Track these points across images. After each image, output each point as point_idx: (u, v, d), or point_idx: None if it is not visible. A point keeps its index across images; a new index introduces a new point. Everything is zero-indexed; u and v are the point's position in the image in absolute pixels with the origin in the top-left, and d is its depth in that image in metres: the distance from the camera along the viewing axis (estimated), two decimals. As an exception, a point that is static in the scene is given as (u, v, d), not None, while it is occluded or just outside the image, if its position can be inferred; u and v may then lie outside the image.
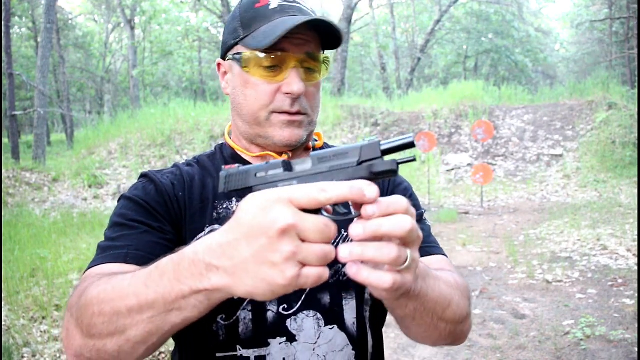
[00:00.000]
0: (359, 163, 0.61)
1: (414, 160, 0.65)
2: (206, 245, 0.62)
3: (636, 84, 13.69)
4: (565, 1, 38.85)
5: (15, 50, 20.40)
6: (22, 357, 3.56)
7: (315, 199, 0.57)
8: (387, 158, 0.62)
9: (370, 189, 0.58)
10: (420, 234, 0.62)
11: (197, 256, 0.62)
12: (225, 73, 1.00)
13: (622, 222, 7.25)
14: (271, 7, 0.92)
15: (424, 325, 0.79)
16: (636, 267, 5.25)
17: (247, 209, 0.59)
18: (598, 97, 13.33)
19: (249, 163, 0.99)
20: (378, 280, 0.60)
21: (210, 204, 0.95)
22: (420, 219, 1.00)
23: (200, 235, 0.92)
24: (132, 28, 23.33)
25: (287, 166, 0.65)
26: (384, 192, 1.04)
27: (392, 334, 3.85)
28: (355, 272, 0.61)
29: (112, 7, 26.63)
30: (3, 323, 3.95)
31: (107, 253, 0.85)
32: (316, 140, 1.07)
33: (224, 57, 0.99)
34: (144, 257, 0.83)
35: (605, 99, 13.06)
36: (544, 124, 13.41)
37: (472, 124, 10.88)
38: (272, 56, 0.90)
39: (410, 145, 0.62)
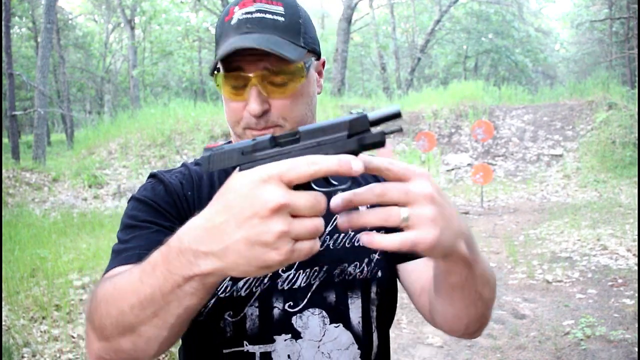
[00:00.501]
0: (349, 136, 0.61)
1: (400, 130, 0.65)
2: (190, 232, 0.61)
3: (636, 84, 13.69)
4: (565, 1, 38.86)
5: (15, 50, 20.40)
6: (22, 357, 3.56)
7: (305, 173, 0.56)
8: (374, 130, 0.62)
9: (356, 162, 0.57)
10: (424, 188, 0.61)
11: (182, 244, 0.62)
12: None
13: (622, 222, 7.25)
14: (232, 22, 0.90)
15: (468, 299, 0.78)
16: (636, 267, 5.26)
17: (234, 188, 0.58)
18: (598, 97, 13.33)
19: None
20: (389, 242, 0.60)
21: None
22: None
23: None
24: (132, 28, 23.34)
25: (275, 142, 0.63)
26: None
27: (392, 333, 3.84)
28: (367, 240, 0.61)
29: (112, 7, 26.63)
30: (3, 323, 3.95)
31: (120, 256, 0.86)
32: None
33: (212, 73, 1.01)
34: None
35: (605, 99, 13.06)
36: (544, 124, 13.41)
37: (472, 124, 10.88)
38: (232, 76, 0.89)
39: (397, 115, 0.63)
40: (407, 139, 13.33)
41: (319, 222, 0.58)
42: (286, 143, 0.63)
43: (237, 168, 0.64)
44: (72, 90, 27.45)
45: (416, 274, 0.97)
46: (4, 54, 12.57)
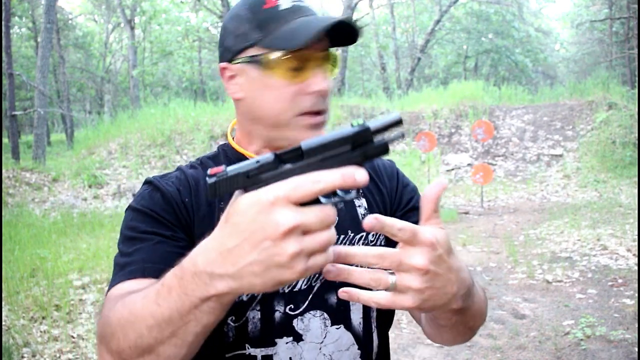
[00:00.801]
0: (352, 149, 0.62)
1: (402, 136, 0.66)
2: (204, 255, 0.62)
3: (636, 84, 13.69)
4: (565, 1, 38.85)
5: (15, 50, 20.40)
6: (22, 357, 3.56)
7: (310, 191, 0.57)
8: (377, 139, 0.63)
9: (360, 173, 0.58)
10: (417, 262, 0.63)
11: (197, 267, 0.62)
12: (232, 77, 0.96)
13: (622, 222, 7.25)
14: (282, 8, 0.90)
15: (455, 334, 0.85)
16: (636, 267, 5.26)
17: (243, 211, 0.59)
18: (598, 97, 13.34)
19: None
20: (369, 299, 0.66)
21: (217, 207, 0.95)
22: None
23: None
24: (132, 28, 23.34)
25: (280, 161, 0.63)
26: (394, 192, 1.05)
27: (392, 333, 3.84)
28: (347, 296, 0.67)
29: (112, 7, 26.63)
30: (3, 323, 3.95)
31: (124, 270, 0.85)
32: None
33: (230, 61, 0.96)
34: (161, 270, 0.81)
35: (605, 99, 13.06)
36: (544, 124, 13.41)
37: (472, 124, 10.88)
38: (296, 57, 0.88)
39: (398, 122, 0.64)
40: (407, 139, 13.33)
41: (331, 234, 0.59)
42: (290, 160, 0.62)
43: (244, 189, 0.63)
44: (72, 90, 27.45)
45: None
46: (4, 54, 12.57)
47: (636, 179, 9.86)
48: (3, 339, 3.61)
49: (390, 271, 0.65)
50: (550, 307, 4.47)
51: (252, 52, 0.91)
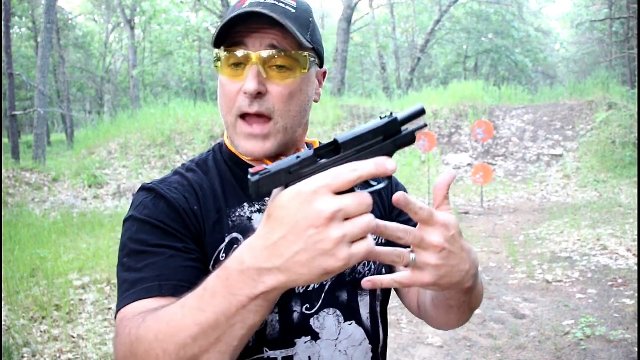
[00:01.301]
0: (384, 139, 0.67)
1: (425, 126, 0.73)
2: (250, 252, 0.63)
3: (636, 84, 13.69)
4: (565, 1, 38.86)
5: (15, 50, 20.40)
6: (22, 357, 3.56)
7: (349, 180, 0.60)
8: (404, 129, 0.69)
9: (390, 162, 0.63)
10: (435, 240, 0.69)
11: (244, 265, 0.63)
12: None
13: (622, 222, 7.25)
14: (244, 5, 0.88)
15: (461, 313, 0.89)
16: (636, 267, 5.26)
17: (286, 205, 0.61)
18: (598, 97, 13.34)
19: (247, 165, 0.97)
20: (390, 280, 0.71)
21: (224, 211, 0.92)
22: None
23: (221, 247, 0.89)
24: (132, 28, 23.34)
25: (318, 156, 0.66)
26: (389, 192, 1.07)
27: (391, 334, 3.85)
28: (371, 284, 0.71)
29: (112, 7, 26.63)
30: (3, 323, 3.96)
31: (137, 288, 0.80)
32: (309, 148, 1.03)
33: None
34: (178, 286, 0.80)
35: (605, 99, 13.06)
36: (544, 124, 13.41)
37: (472, 124, 10.88)
38: (232, 53, 0.87)
39: (422, 112, 0.70)
40: (407, 139, 13.33)
41: (369, 217, 0.61)
42: (328, 154, 0.66)
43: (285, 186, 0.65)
44: (72, 90, 27.46)
45: None
46: (4, 54, 12.57)
47: (636, 179, 9.86)
48: (3, 339, 3.61)
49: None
50: (550, 307, 4.47)
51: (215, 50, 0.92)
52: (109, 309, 4.41)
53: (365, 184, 0.70)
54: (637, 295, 4.44)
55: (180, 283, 0.80)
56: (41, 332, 3.95)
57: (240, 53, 0.87)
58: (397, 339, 3.92)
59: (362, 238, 0.61)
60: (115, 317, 0.81)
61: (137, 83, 22.69)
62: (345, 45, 18.08)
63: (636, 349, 3.51)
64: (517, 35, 22.95)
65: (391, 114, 0.67)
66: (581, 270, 5.41)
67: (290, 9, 0.88)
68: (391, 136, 0.67)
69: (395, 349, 3.74)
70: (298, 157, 0.64)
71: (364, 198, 0.61)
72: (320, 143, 1.05)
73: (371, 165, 0.61)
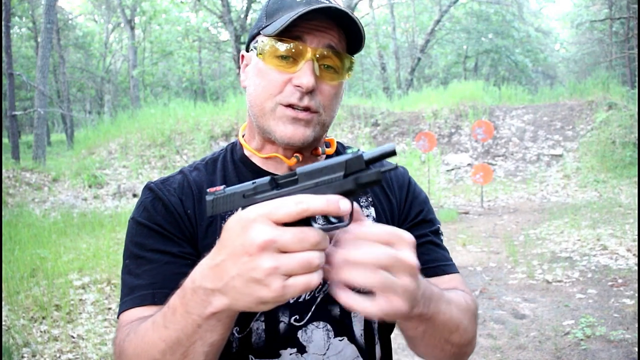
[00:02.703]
0: (345, 176, 0.62)
1: (396, 168, 0.66)
2: (200, 271, 0.65)
3: (636, 84, 13.69)
4: (565, 1, 38.86)
5: (15, 50, 20.40)
6: (22, 357, 3.56)
7: (290, 212, 0.58)
8: (371, 168, 0.64)
9: (344, 203, 0.59)
10: (414, 262, 0.63)
11: (195, 284, 0.65)
12: (246, 65, 0.96)
13: (622, 222, 7.25)
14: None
15: (431, 346, 0.81)
16: (636, 267, 5.25)
17: (230, 228, 0.62)
18: (598, 97, 13.33)
19: (257, 167, 0.97)
20: (362, 307, 0.62)
21: (219, 215, 0.93)
22: (436, 234, 1.02)
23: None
24: (132, 28, 23.34)
25: (275, 184, 0.65)
26: (403, 202, 1.02)
27: (392, 334, 3.84)
28: (344, 299, 0.63)
29: (112, 7, 26.63)
30: (3, 323, 3.95)
31: (134, 295, 0.85)
32: (328, 147, 1.02)
33: (247, 49, 0.97)
34: (171, 294, 0.83)
35: (605, 99, 13.06)
36: (544, 124, 13.41)
37: (472, 124, 10.88)
38: (287, 45, 0.86)
39: (392, 153, 0.64)
40: (407, 139, 13.33)
41: (310, 255, 0.58)
42: (285, 184, 0.64)
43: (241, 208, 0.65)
44: (72, 90, 27.46)
45: None
46: (4, 54, 12.57)
47: (636, 179, 9.86)
48: (3, 339, 3.61)
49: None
50: (550, 307, 4.47)
51: (257, 38, 0.91)
52: (109, 309, 4.41)
53: (327, 221, 0.66)
54: (637, 295, 4.44)
55: (174, 291, 0.83)
56: (41, 332, 3.95)
57: (297, 46, 0.86)
58: (398, 338, 3.91)
59: (305, 273, 0.58)
60: (118, 317, 0.87)
61: (137, 83, 22.68)
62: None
63: (636, 349, 3.51)
64: (517, 35, 22.95)
65: (358, 150, 0.64)
66: (581, 270, 5.41)
67: (339, 6, 0.88)
68: (353, 173, 0.62)
69: (395, 349, 3.74)
70: (254, 182, 0.65)
71: (306, 234, 0.58)
72: (337, 142, 1.06)
73: (321, 201, 0.58)
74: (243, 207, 0.64)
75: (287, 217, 0.58)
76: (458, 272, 1.00)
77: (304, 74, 0.85)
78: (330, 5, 0.83)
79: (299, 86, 0.86)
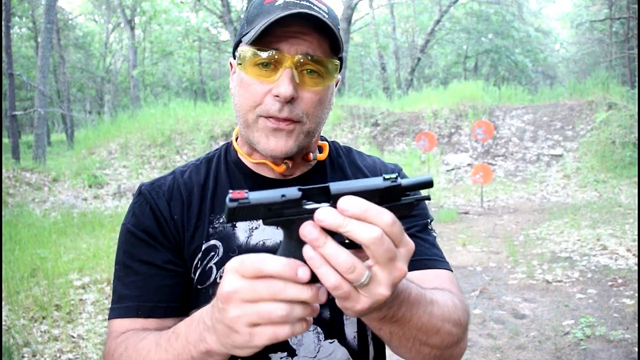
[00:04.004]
0: (380, 203, 0.59)
1: (428, 199, 0.64)
2: (207, 306, 0.67)
3: (636, 84, 13.69)
4: (565, 1, 38.87)
5: (15, 50, 20.39)
6: (22, 357, 3.56)
7: (249, 270, 0.58)
8: (405, 199, 0.61)
9: (303, 271, 0.57)
10: (402, 267, 0.58)
11: (201, 316, 0.68)
12: (234, 72, 0.95)
13: (622, 222, 7.25)
14: (277, 3, 0.85)
15: (403, 348, 0.76)
16: (636, 267, 5.26)
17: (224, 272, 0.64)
18: (598, 97, 13.33)
19: (250, 169, 0.97)
20: (323, 274, 0.57)
21: (207, 217, 0.93)
22: (424, 228, 0.97)
23: (198, 255, 0.91)
24: (132, 28, 23.33)
25: (305, 197, 0.60)
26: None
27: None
28: (309, 254, 0.58)
29: (112, 7, 26.63)
30: (3, 323, 3.96)
31: (121, 304, 0.89)
32: (320, 152, 1.00)
33: (234, 56, 0.95)
34: (155, 307, 0.88)
35: (605, 99, 13.06)
36: (544, 124, 13.41)
37: (472, 124, 10.88)
38: (265, 53, 0.83)
39: (429, 184, 0.61)
40: (407, 139, 13.33)
41: (269, 308, 0.57)
42: (315, 198, 0.60)
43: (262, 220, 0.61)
44: (72, 90, 27.45)
45: None
46: (4, 54, 12.57)
47: (636, 179, 9.86)
48: (3, 339, 3.61)
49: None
50: (550, 307, 4.47)
51: (240, 46, 0.89)
52: (109, 308, 4.41)
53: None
54: (637, 295, 4.44)
55: (158, 304, 0.88)
56: (41, 332, 3.95)
57: (274, 55, 0.83)
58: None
59: (269, 324, 0.58)
60: (108, 319, 0.91)
61: (137, 83, 22.68)
62: (345, 45, 18.06)
63: (636, 349, 3.51)
64: (517, 35, 22.96)
65: (396, 177, 0.60)
66: (581, 270, 5.41)
67: (324, 13, 0.86)
68: (389, 201, 0.60)
69: (395, 349, 3.74)
70: (283, 195, 0.59)
71: (274, 288, 0.57)
72: (329, 145, 1.04)
73: (279, 266, 0.57)
74: (267, 219, 0.60)
75: (253, 274, 0.58)
76: (448, 269, 0.94)
77: (282, 83, 0.83)
78: (301, 11, 0.80)
79: (277, 96, 0.84)
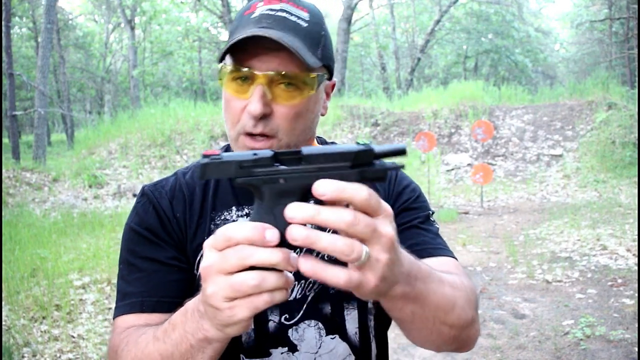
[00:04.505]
0: (352, 167, 0.60)
1: (402, 167, 0.63)
2: (200, 294, 0.65)
3: (636, 84, 13.69)
4: (565, 1, 38.88)
5: (15, 50, 20.39)
6: (22, 357, 3.56)
7: (220, 241, 0.57)
8: (377, 163, 0.61)
9: (271, 233, 0.56)
10: (389, 231, 0.57)
11: (195, 304, 0.67)
12: None
13: (622, 222, 7.25)
14: (252, 16, 0.85)
15: (425, 330, 0.74)
16: (636, 267, 5.26)
17: None
18: (598, 97, 13.34)
19: None
20: (332, 277, 0.56)
21: (208, 215, 0.93)
22: (426, 219, 0.97)
23: (201, 253, 0.89)
24: (132, 28, 23.34)
25: (277, 160, 0.61)
26: (389, 194, 0.99)
27: (391, 333, 3.83)
28: (310, 268, 0.57)
29: (112, 7, 26.64)
30: (3, 323, 3.96)
31: (125, 301, 0.90)
32: None
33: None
34: (159, 302, 0.88)
35: (605, 99, 13.06)
36: (544, 124, 13.41)
37: (472, 124, 10.88)
38: (239, 69, 0.84)
39: (402, 152, 0.61)
40: (407, 139, 13.34)
41: (244, 277, 0.56)
42: (287, 162, 0.61)
43: (233, 179, 0.62)
44: (72, 90, 27.46)
45: None
46: (4, 54, 12.58)
47: (636, 179, 9.86)
48: (3, 339, 3.62)
49: None
50: (550, 307, 4.47)
51: (221, 63, 0.89)
52: (109, 308, 4.42)
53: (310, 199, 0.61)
54: (637, 295, 4.44)
55: (162, 299, 0.88)
56: (41, 332, 3.95)
57: (246, 72, 0.83)
58: (397, 338, 3.92)
59: (248, 295, 0.57)
60: (113, 319, 0.91)
61: (137, 83, 22.69)
62: (345, 45, 18.07)
63: (636, 349, 3.51)
64: (517, 36, 22.96)
65: (369, 143, 0.60)
66: (581, 270, 5.41)
67: (302, 22, 0.85)
68: (360, 165, 0.60)
69: (395, 349, 3.74)
70: (255, 154, 0.60)
71: (241, 255, 0.56)
72: (318, 139, 1.05)
73: (246, 230, 0.56)
74: (235, 178, 0.61)
75: (219, 245, 0.58)
76: (452, 257, 0.93)
77: (252, 101, 0.83)
78: (258, 34, 0.79)
79: (249, 113, 0.84)
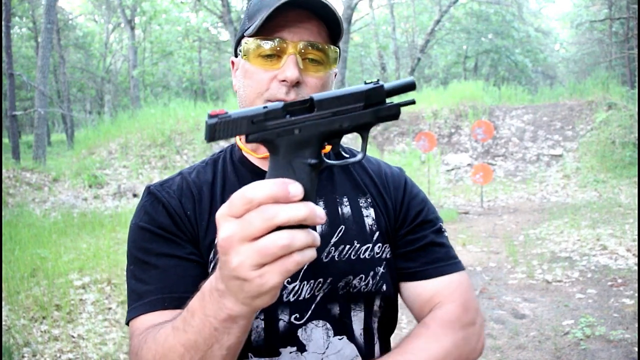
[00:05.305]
0: (365, 107, 0.59)
1: (414, 102, 0.65)
2: (215, 273, 0.63)
3: (636, 84, 13.69)
4: (565, 1, 38.88)
5: (15, 50, 20.40)
6: (22, 357, 3.56)
7: (240, 208, 0.54)
8: (389, 101, 0.61)
9: (294, 187, 0.54)
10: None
11: (212, 284, 0.63)
12: (236, 70, 0.97)
13: (621, 222, 7.25)
14: None
15: None
16: (636, 267, 5.26)
17: None
18: (598, 97, 13.34)
19: (256, 166, 0.97)
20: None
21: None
22: (439, 232, 1.00)
23: (213, 251, 0.91)
24: (132, 28, 23.33)
25: (287, 111, 0.59)
26: (400, 204, 1.01)
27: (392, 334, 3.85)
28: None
29: (112, 7, 26.63)
30: (3, 323, 3.96)
31: (143, 300, 0.85)
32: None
33: (235, 55, 0.98)
34: (182, 298, 0.82)
35: (605, 99, 13.06)
36: (544, 124, 13.41)
37: (472, 124, 10.89)
38: (269, 42, 0.87)
39: (412, 86, 0.63)
40: (407, 139, 13.33)
41: (273, 239, 0.53)
42: (299, 112, 0.59)
43: (245, 137, 0.59)
44: (72, 90, 27.46)
45: (418, 292, 0.98)
46: (4, 54, 12.57)
47: (636, 179, 9.87)
48: (3, 339, 3.62)
49: None
50: (550, 307, 4.47)
51: (242, 41, 0.92)
52: (109, 308, 4.42)
53: (338, 157, 0.62)
54: (637, 295, 4.44)
55: (183, 294, 0.82)
56: (41, 332, 3.95)
57: (277, 43, 0.86)
58: (397, 338, 3.92)
59: (278, 259, 0.53)
60: (127, 324, 0.86)
61: (137, 83, 22.68)
62: (345, 45, 18.06)
63: (636, 349, 3.51)
64: (517, 36, 22.95)
65: (377, 80, 0.60)
66: (581, 270, 5.41)
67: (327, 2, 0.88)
68: (373, 105, 0.59)
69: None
70: (265, 107, 0.58)
71: (267, 216, 0.52)
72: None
73: (268, 187, 0.53)
74: (250, 134, 0.57)
75: (236, 214, 0.54)
76: (462, 269, 0.99)
77: (288, 68, 0.86)
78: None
79: (284, 80, 0.86)
